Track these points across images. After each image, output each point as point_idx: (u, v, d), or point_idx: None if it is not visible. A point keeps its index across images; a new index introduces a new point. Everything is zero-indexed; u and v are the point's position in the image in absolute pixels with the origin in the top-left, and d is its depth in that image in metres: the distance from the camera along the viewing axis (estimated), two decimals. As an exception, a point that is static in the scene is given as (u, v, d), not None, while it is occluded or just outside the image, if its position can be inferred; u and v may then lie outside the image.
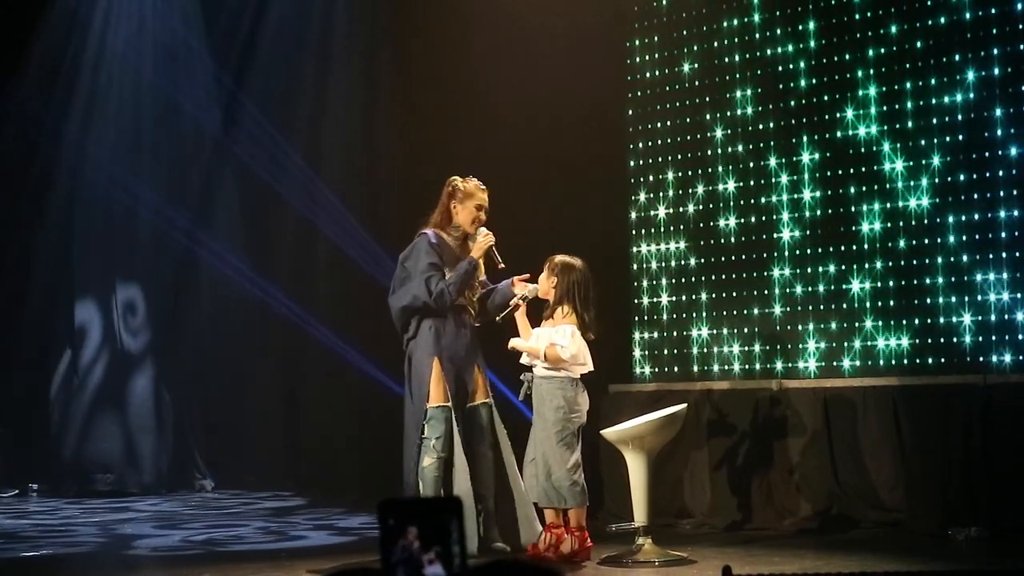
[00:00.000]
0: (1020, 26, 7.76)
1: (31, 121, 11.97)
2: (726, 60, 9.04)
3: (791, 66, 8.74)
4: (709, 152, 9.09)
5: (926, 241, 8.08)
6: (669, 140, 9.29)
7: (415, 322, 7.08)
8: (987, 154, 7.84)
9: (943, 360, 7.96)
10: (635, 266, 9.39)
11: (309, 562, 7.07)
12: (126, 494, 11.25)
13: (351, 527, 8.86)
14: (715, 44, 9.11)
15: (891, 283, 8.20)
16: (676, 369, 9.14)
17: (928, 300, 8.04)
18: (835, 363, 8.41)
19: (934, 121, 8.06)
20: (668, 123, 9.30)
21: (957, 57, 7.97)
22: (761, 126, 8.86)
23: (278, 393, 12.12)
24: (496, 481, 7.09)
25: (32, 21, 11.98)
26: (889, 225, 8.23)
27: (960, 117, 7.95)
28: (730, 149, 8.98)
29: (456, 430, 6.93)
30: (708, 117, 9.09)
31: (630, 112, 9.50)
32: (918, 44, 8.17)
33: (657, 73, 9.39)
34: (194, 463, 11.87)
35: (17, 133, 11.97)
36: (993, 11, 7.86)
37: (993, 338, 7.75)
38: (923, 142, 8.10)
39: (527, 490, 6.94)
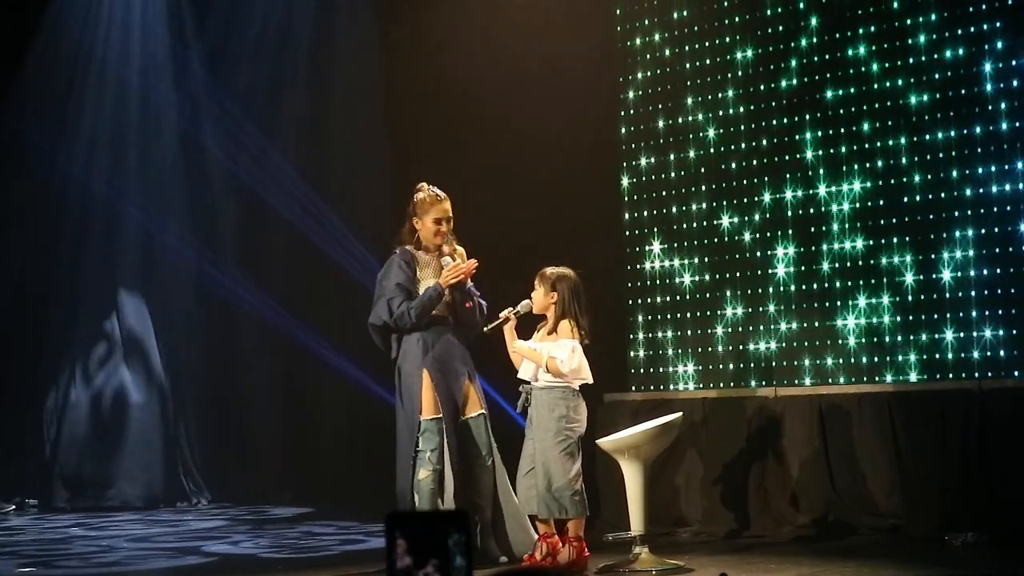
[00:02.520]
0: None
1: (31, 144, 12.01)
2: (719, 71, 9.07)
3: (786, 80, 8.77)
4: (702, 163, 9.10)
5: (921, 247, 8.10)
6: (663, 150, 9.31)
7: (396, 339, 7.06)
8: (992, 168, 7.87)
9: (938, 366, 7.98)
10: (629, 275, 9.40)
11: (306, 574, 7.06)
12: (123, 509, 11.21)
13: (349, 538, 8.85)
14: (707, 54, 9.14)
15: (886, 290, 8.22)
16: (671, 378, 9.15)
17: (923, 306, 8.06)
18: (830, 370, 8.42)
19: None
20: (661, 134, 9.32)
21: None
22: (752, 138, 8.87)
23: (275, 406, 12.11)
24: (494, 490, 7.08)
25: (30, 42, 12.01)
26: (884, 233, 8.25)
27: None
28: (723, 160, 9.00)
29: (446, 442, 6.92)
30: (701, 123, 9.11)
31: (622, 123, 9.52)
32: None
33: (650, 88, 9.42)
34: (190, 477, 11.83)
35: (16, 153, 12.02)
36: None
37: (987, 343, 7.77)
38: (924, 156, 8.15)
39: (523, 502, 6.91)
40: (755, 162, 8.84)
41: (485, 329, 7.01)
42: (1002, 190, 7.78)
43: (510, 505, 7.05)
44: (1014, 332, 7.70)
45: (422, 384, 6.92)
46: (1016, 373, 7.66)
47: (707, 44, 9.14)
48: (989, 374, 7.73)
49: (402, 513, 2.84)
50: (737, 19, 9.00)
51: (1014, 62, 7.75)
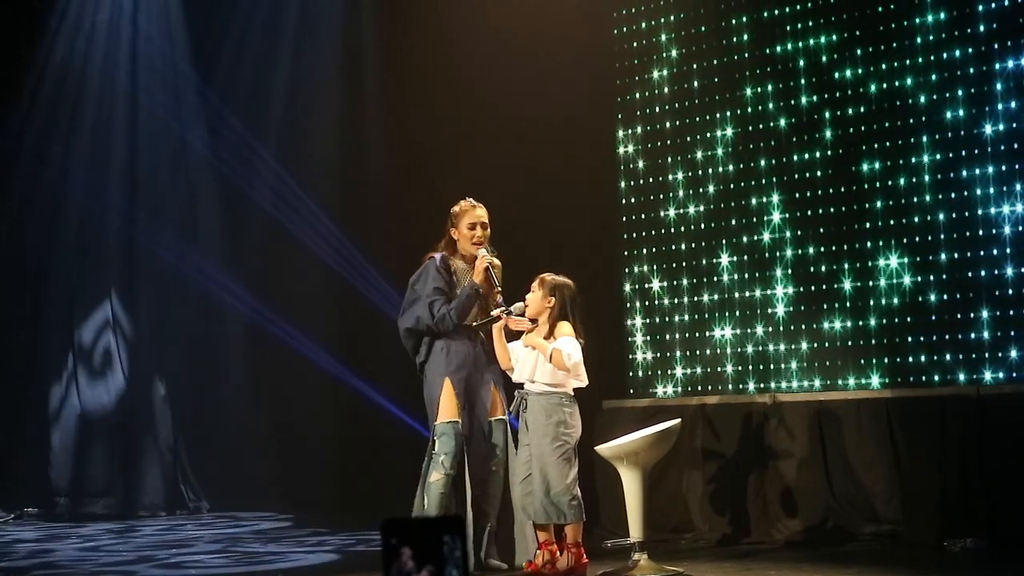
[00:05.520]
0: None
1: (23, 142, 12.02)
2: (717, 70, 9.09)
3: (785, 80, 8.78)
4: (701, 169, 9.12)
5: (918, 251, 8.11)
6: (661, 157, 9.32)
7: (426, 344, 7.07)
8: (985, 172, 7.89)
9: (936, 372, 7.99)
10: (628, 282, 9.41)
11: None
12: (122, 517, 11.20)
13: (346, 546, 8.85)
14: (704, 49, 9.16)
15: (883, 295, 8.23)
16: (670, 384, 9.15)
17: (921, 311, 8.07)
18: (828, 376, 8.43)
19: (926, 143, 8.13)
20: (661, 138, 9.33)
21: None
22: (751, 143, 8.89)
23: (271, 413, 12.12)
24: (501, 498, 7.09)
25: (24, 46, 12.02)
26: (882, 237, 8.26)
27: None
28: (722, 166, 9.01)
29: (466, 448, 6.93)
30: (699, 132, 9.12)
31: (621, 129, 9.53)
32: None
33: (652, 88, 9.43)
34: (190, 485, 11.83)
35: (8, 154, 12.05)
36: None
37: (986, 348, 7.78)
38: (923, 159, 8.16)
39: (521, 508, 6.91)
40: (755, 168, 8.85)
41: (474, 324, 7.01)
42: (998, 195, 7.80)
43: (513, 512, 7.05)
44: (1012, 337, 7.70)
45: (442, 390, 6.94)
46: (1015, 376, 7.66)
47: (709, 42, 9.17)
48: (988, 380, 7.73)
49: (397, 519, 2.83)
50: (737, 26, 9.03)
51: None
